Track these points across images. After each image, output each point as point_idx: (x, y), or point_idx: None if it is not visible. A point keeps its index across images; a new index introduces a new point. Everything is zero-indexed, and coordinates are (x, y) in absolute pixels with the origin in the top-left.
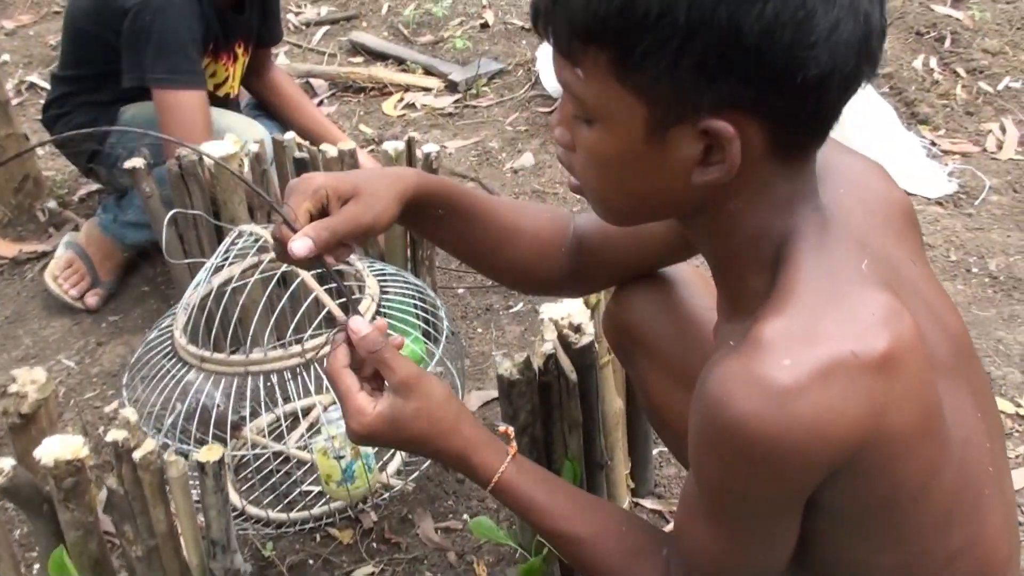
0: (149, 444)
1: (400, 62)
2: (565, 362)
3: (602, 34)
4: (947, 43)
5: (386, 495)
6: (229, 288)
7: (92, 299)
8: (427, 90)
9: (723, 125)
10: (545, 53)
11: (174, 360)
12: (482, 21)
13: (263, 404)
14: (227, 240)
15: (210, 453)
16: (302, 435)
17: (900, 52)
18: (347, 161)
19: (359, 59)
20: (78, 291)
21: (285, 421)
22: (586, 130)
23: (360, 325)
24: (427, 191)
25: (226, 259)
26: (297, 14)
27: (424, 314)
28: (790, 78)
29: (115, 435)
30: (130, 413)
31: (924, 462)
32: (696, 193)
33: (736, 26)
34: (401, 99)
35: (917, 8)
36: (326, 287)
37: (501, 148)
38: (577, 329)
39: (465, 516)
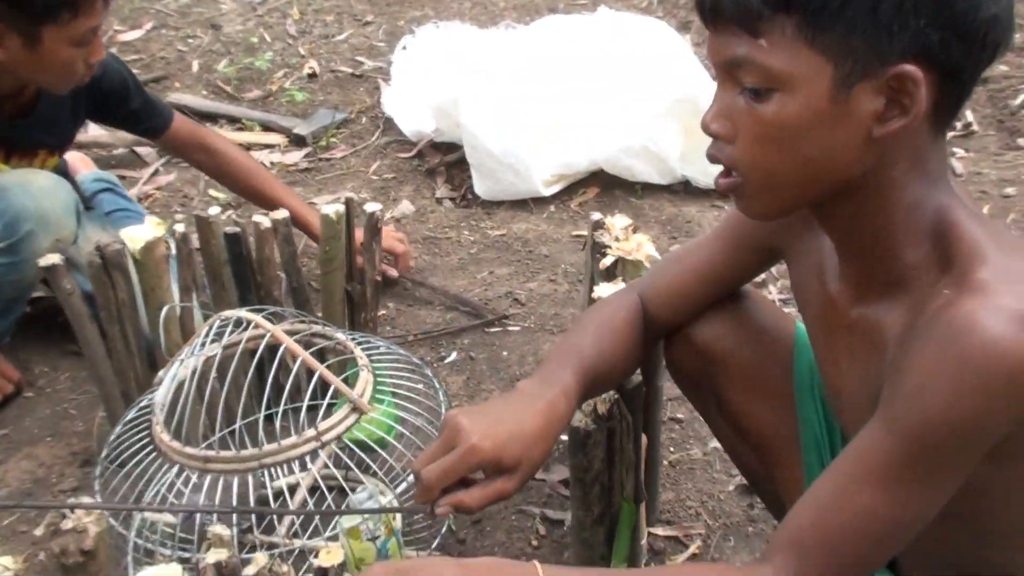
0: (261, 559)
1: (233, 121)
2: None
3: None
4: None
5: None
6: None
7: None
8: (271, 147)
9: (912, 69)
10: (392, 96)
11: (159, 461)
12: (309, 72)
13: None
14: (205, 327)
15: (331, 556)
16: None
17: None
18: (281, 231)
19: None
20: None
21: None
22: (762, 105)
23: None
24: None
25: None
26: None
27: (417, 383)
28: (968, 21)
29: (216, 555)
30: (221, 529)
31: None
32: (869, 155)
33: None
34: None
35: None
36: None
37: (374, 198)
38: None
39: None
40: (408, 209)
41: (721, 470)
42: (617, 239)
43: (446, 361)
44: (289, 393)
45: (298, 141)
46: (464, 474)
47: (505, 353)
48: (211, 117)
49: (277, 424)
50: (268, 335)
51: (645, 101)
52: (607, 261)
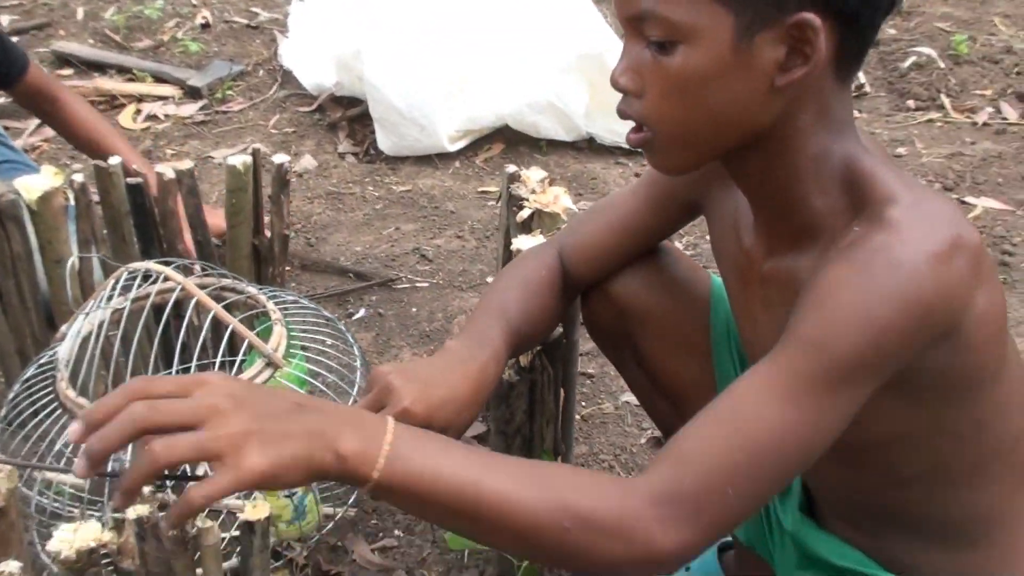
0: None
1: (123, 71)
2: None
3: None
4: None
5: (329, 525)
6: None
7: None
8: (164, 99)
9: (811, 17)
10: (291, 48)
11: (64, 420)
12: (202, 21)
13: None
14: (110, 279)
15: (257, 511)
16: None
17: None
18: (186, 183)
19: (69, 71)
20: None
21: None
22: (667, 58)
23: None
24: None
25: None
26: None
27: (327, 338)
28: None
29: (139, 511)
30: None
31: (1001, 348)
32: (774, 104)
33: None
34: (138, 111)
35: None
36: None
37: (274, 153)
38: None
39: (397, 532)
40: (310, 164)
41: (633, 424)
42: (534, 191)
43: (354, 318)
44: (197, 349)
45: (193, 93)
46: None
47: (414, 310)
48: (99, 67)
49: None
50: (179, 288)
51: (550, 56)
52: (524, 214)
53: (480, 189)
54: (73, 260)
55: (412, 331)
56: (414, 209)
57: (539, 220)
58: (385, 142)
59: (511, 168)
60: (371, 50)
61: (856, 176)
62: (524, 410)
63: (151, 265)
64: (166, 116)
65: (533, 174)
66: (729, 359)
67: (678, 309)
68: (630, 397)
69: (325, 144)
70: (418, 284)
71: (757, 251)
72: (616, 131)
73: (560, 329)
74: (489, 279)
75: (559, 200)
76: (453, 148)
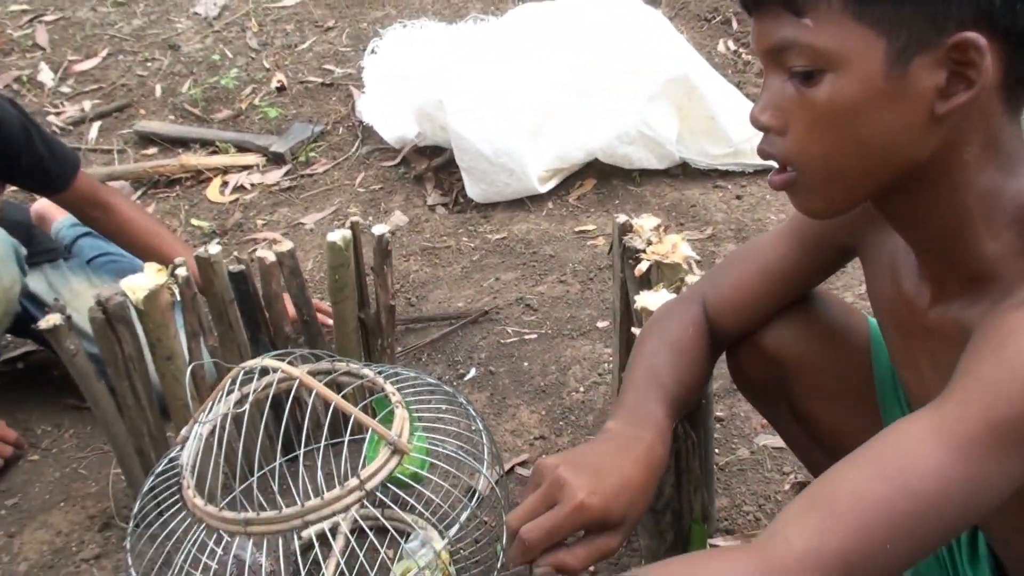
0: None
1: (206, 144)
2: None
3: None
4: (735, 24)
5: None
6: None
7: None
8: (248, 167)
9: (974, 36)
10: (368, 102)
11: (194, 528)
12: (277, 85)
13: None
14: (227, 379)
15: None
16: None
17: (700, 40)
18: (287, 263)
19: (153, 150)
20: None
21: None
22: (812, 89)
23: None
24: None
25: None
26: (58, 114)
27: (453, 416)
28: None
29: None
30: None
31: None
32: (934, 136)
33: None
34: (224, 183)
35: None
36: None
37: (364, 212)
38: None
39: None
40: (401, 220)
41: (773, 468)
42: (650, 242)
43: (466, 378)
44: (306, 434)
45: (276, 159)
46: (570, 533)
47: (526, 364)
48: (182, 142)
49: (300, 468)
50: (296, 382)
51: (635, 85)
52: (643, 267)
53: (577, 229)
54: (191, 367)
55: (527, 387)
56: (512, 256)
57: (659, 272)
58: (474, 190)
59: (622, 218)
60: (452, 98)
61: None
62: (671, 484)
63: (266, 362)
64: (252, 185)
65: (646, 222)
66: (898, 407)
67: (837, 358)
68: (767, 439)
69: (414, 198)
70: (526, 336)
71: (920, 298)
72: (709, 153)
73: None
74: (600, 324)
75: (678, 249)
76: (544, 189)
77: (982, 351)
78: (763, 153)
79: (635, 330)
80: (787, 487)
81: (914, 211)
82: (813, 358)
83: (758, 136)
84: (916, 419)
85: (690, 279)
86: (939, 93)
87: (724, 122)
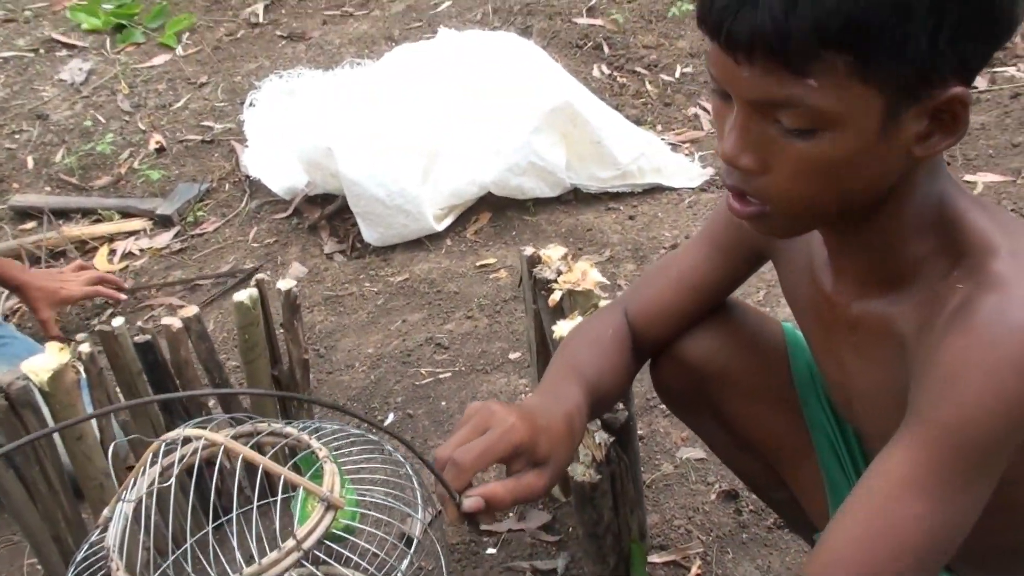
0: None
1: (87, 213)
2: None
3: (848, 35)
4: (606, 49)
5: None
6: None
7: None
8: (134, 233)
9: (962, 91)
10: (252, 156)
11: None
12: (156, 146)
13: None
14: (147, 454)
15: None
16: None
17: (575, 67)
18: (194, 328)
19: (31, 224)
20: None
21: None
22: (804, 142)
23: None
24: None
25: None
26: None
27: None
28: (1005, 30)
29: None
30: None
31: None
32: (904, 170)
33: None
34: (112, 251)
35: (562, 24)
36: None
37: (261, 267)
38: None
39: None
40: (300, 272)
41: (698, 480)
42: (560, 271)
43: (385, 424)
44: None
45: (164, 222)
46: (500, 456)
47: (443, 403)
48: (62, 213)
49: (232, 534)
50: (221, 448)
51: (521, 117)
52: (555, 297)
53: (478, 263)
54: (113, 445)
55: (447, 427)
56: (416, 297)
57: (572, 301)
58: (371, 234)
59: (528, 250)
60: (341, 145)
61: (950, 218)
62: (610, 507)
63: (188, 431)
64: (141, 251)
65: (553, 252)
66: (818, 404)
67: (758, 363)
68: (689, 452)
69: (310, 247)
70: (440, 375)
71: (842, 295)
72: (598, 177)
73: (626, 412)
74: (512, 356)
75: (587, 276)
76: (441, 227)
77: (933, 386)
78: (733, 189)
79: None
80: (713, 496)
81: (856, 226)
82: (734, 364)
83: (644, 156)
84: (892, 468)
85: (603, 303)
86: (918, 138)
87: (610, 145)
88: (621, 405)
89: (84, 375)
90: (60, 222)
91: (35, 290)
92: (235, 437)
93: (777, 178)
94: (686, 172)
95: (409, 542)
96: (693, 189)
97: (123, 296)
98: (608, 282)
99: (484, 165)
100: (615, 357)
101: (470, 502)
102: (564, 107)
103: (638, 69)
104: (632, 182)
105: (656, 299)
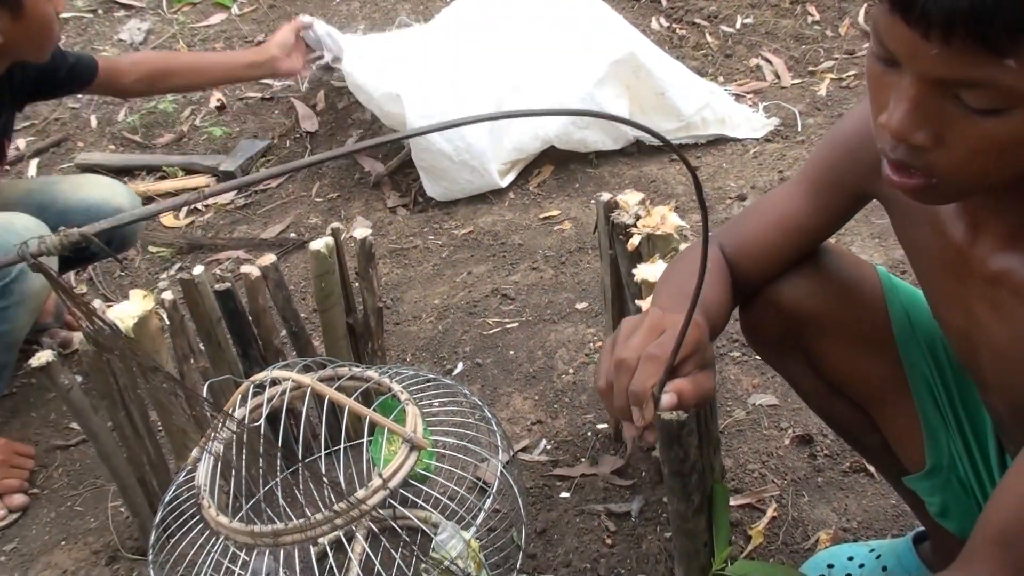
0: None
1: (152, 170)
2: None
3: None
4: (664, 1)
5: None
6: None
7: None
8: (199, 189)
9: None
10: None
11: (217, 544)
12: (217, 104)
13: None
14: (236, 395)
15: None
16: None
17: (634, 19)
18: (272, 277)
19: None
20: None
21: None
22: (990, 121)
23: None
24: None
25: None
26: None
27: (452, 409)
28: None
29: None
30: None
31: None
32: None
33: None
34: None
35: None
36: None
37: (325, 221)
38: None
39: None
40: (364, 225)
41: (770, 426)
42: (638, 216)
43: (454, 373)
44: (305, 443)
45: (227, 177)
46: (689, 350)
47: (512, 353)
48: (127, 171)
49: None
50: (308, 389)
51: (584, 69)
52: (635, 241)
53: (542, 216)
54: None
55: (516, 375)
56: (481, 250)
57: (650, 245)
58: (436, 189)
59: (605, 196)
60: (411, 99)
61: None
62: (696, 445)
63: (275, 373)
64: (206, 207)
65: (631, 198)
66: (917, 348)
67: (854, 308)
68: (761, 398)
69: (373, 202)
70: (508, 325)
71: (980, 248)
72: (662, 128)
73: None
74: (579, 306)
75: (667, 220)
76: (505, 183)
77: None
78: (899, 164)
79: (639, 303)
80: (787, 442)
81: (1014, 187)
82: (829, 309)
83: (708, 108)
84: None
85: (682, 247)
86: None
87: (673, 97)
88: None
89: (167, 322)
90: (125, 179)
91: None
92: (319, 381)
93: (954, 154)
94: (750, 123)
95: (486, 485)
96: (758, 140)
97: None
98: (688, 226)
99: (547, 118)
100: (719, 287)
101: (667, 398)
102: (627, 59)
103: (697, 20)
104: (696, 133)
105: (754, 238)
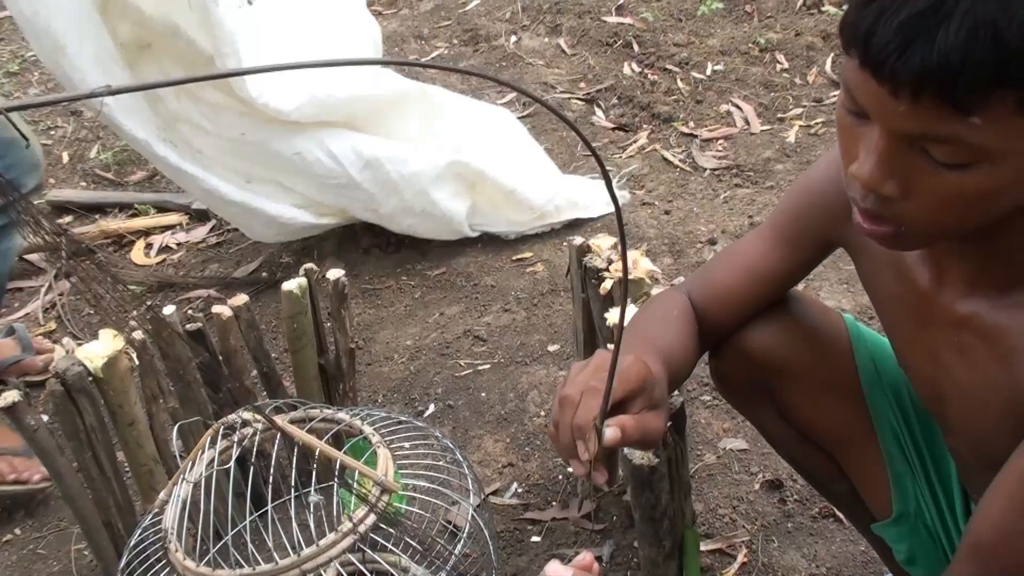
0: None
1: (124, 207)
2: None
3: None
4: (636, 47)
5: None
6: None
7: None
8: (171, 227)
9: None
10: None
11: None
12: None
13: None
14: (206, 437)
15: None
16: None
17: (606, 64)
18: (244, 317)
19: (68, 218)
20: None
21: None
22: (955, 174)
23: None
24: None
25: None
26: None
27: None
28: None
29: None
30: None
31: None
32: None
33: None
34: (148, 245)
35: (591, 22)
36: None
37: (298, 262)
38: None
39: None
40: (337, 266)
41: (740, 470)
42: (610, 260)
43: (426, 414)
44: (273, 486)
45: (200, 216)
46: (632, 387)
47: (483, 394)
48: (98, 208)
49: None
50: (276, 431)
51: (423, 164)
52: (607, 285)
53: (515, 257)
54: (177, 425)
55: (487, 417)
56: (453, 291)
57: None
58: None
59: (577, 239)
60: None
61: None
62: (667, 490)
63: (245, 415)
64: (178, 245)
65: (603, 241)
66: (884, 397)
67: (821, 356)
68: (732, 443)
69: (346, 242)
70: (479, 367)
71: (944, 293)
72: (516, 221)
73: (681, 398)
74: (551, 348)
75: (639, 265)
76: (474, 234)
77: None
78: (870, 212)
79: (611, 347)
80: (757, 486)
81: (980, 231)
82: (797, 357)
83: (559, 195)
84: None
85: (654, 292)
86: None
87: (523, 191)
88: (676, 391)
89: (136, 362)
90: (97, 217)
91: None
92: (290, 423)
93: (921, 205)
94: (599, 199)
95: (456, 528)
96: (730, 184)
97: None
98: (659, 271)
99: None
100: (684, 335)
101: (610, 432)
102: (460, 165)
103: (669, 67)
104: (551, 221)
105: (721, 285)
